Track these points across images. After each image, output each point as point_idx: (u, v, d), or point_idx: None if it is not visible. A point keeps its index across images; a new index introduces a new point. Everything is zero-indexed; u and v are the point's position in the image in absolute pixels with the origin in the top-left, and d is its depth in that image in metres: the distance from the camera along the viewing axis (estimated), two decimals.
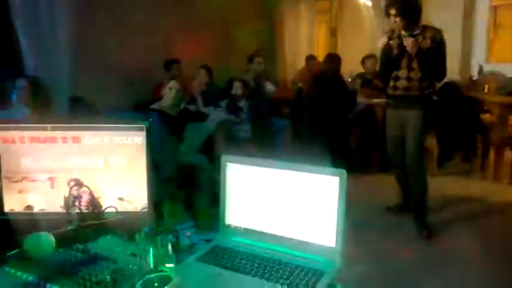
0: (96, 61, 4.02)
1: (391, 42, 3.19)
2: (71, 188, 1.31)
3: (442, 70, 3.17)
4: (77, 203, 1.29)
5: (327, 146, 4.02)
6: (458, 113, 4.64)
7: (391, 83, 3.27)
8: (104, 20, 4.10)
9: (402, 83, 3.20)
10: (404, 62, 3.15)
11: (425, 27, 3.11)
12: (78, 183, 1.31)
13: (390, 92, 3.31)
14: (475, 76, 5.66)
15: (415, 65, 3.12)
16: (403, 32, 3.12)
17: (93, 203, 1.28)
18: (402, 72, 3.19)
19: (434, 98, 3.45)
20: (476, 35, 5.82)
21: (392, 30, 3.19)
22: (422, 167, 3.29)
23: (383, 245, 3.09)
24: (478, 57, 5.80)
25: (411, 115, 3.20)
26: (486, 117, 4.77)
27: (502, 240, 3.21)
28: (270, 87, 5.28)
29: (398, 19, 3.06)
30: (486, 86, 5.06)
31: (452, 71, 5.11)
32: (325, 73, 4.82)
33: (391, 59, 3.21)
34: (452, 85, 4.85)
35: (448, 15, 5.51)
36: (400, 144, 3.33)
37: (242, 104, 4.49)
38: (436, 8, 5.32)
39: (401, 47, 3.11)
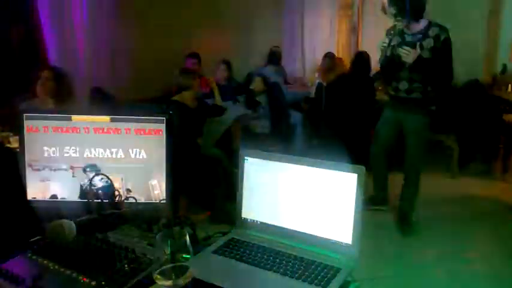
0: (118, 53, 4.07)
1: (391, 42, 2.99)
2: (91, 178, 1.33)
3: (446, 73, 2.94)
4: (96, 193, 1.32)
5: (345, 144, 3.98)
6: (481, 112, 4.53)
7: (393, 84, 3.11)
8: (125, 14, 4.14)
9: (404, 85, 3.03)
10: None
11: (430, 24, 2.90)
12: (94, 171, 1.33)
13: (392, 92, 3.15)
14: (499, 74, 5.52)
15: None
16: (404, 30, 2.94)
17: (113, 193, 1.30)
18: (404, 73, 3.00)
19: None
20: (502, 32, 5.64)
21: (394, 27, 3.00)
22: (419, 174, 3.25)
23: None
24: (503, 56, 5.63)
25: (413, 119, 3.06)
26: (509, 117, 4.65)
27: None
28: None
29: (399, 18, 2.87)
30: (510, 85, 4.95)
31: (476, 69, 5.01)
32: (354, 74, 4.54)
33: (390, 60, 3.01)
34: (475, 83, 4.74)
35: (477, 12, 5.36)
36: (389, 145, 3.30)
37: (260, 99, 4.48)
38: (464, 4, 5.20)
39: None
